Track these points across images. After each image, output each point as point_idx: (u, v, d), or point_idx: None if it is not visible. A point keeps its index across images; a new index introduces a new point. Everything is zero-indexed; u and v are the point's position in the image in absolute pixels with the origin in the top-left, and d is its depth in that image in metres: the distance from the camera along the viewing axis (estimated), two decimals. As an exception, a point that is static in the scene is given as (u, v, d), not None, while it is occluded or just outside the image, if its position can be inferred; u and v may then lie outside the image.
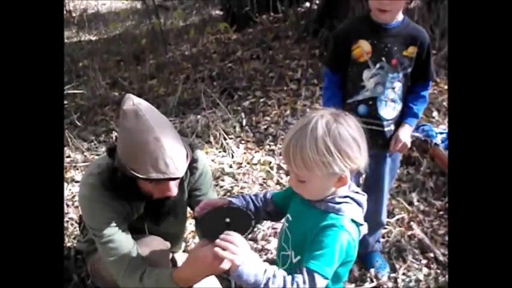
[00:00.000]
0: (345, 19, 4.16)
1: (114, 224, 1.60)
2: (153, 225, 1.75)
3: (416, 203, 2.63)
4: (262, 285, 1.18)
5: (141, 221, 1.76)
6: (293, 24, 5.37)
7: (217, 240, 1.25)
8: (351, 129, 1.20)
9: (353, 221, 1.25)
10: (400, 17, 1.87)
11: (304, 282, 1.18)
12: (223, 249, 1.22)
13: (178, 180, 1.55)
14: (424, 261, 2.24)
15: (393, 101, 1.91)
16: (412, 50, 1.87)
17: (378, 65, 1.87)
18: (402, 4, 1.83)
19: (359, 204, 1.29)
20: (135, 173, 1.46)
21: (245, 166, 3.11)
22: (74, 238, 2.56)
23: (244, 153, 3.28)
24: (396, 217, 2.52)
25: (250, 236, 1.53)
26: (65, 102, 4.49)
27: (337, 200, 1.26)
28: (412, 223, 2.48)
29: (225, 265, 1.34)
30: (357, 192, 1.31)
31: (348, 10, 4.26)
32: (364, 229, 1.30)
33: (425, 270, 2.19)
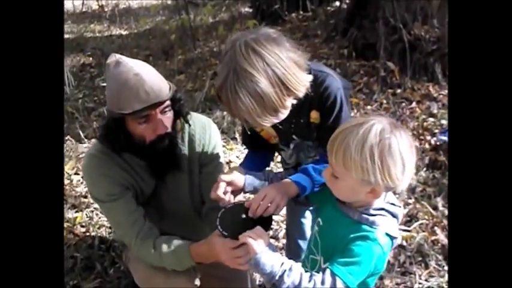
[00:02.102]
0: (375, 19, 4.16)
1: (115, 194, 1.62)
2: (162, 185, 1.72)
3: (441, 208, 2.58)
4: (277, 277, 1.16)
5: (155, 198, 1.76)
6: (322, 23, 5.35)
7: (240, 236, 1.26)
8: (403, 145, 1.14)
9: (387, 234, 1.21)
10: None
11: (322, 283, 1.15)
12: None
13: (168, 119, 1.57)
14: (447, 268, 2.20)
15: None
16: (315, 115, 1.54)
17: (291, 145, 1.66)
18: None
19: (394, 216, 1.25)
20: (121, 112, 1.50)
21: (269, 164, 3.10)
22: (98, 228, 2.62)
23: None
24: (420, 221, 2.48)
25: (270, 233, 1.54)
26: (95, 94, 4.59)
27: (372, 212, 1.22)
28: (436, 228, 2.44)
29: (238, 264, 1.37)
30: (392, 204, 1.26)
31: (377, 10, 4.21)
32: (398, 241, 1.27)
33: (447, 276, 2.15)
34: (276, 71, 1.28)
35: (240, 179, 1.47)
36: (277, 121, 1.39)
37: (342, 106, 1.48)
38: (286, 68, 1.29)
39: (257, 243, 1.21)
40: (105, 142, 1.62)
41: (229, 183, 1.46)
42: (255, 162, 1.73)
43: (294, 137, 1.62)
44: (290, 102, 1.37)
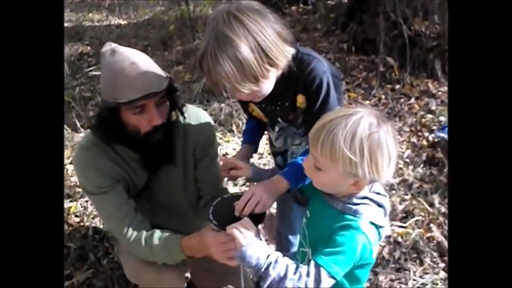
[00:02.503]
0: (375, 14, 4.13)
1: (105, 187, 1.59)
2: (154, 178, 1.70)
3: (437, 205, 2.57)
4: (262, 269, 1.16)
5: (147, 191, 1.74)
6: (322, 17, 5.32)
7: (228, 227, 1.26)
8: (390, 139, 1.14)
9: (372, 223, 1.21)
10: (278, 73, 1.41)
11: (307, 275, 1.15)
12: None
13: (163, 110, 1.55)
14: (441, 265, 2.20)
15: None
16: (301, 100, 1.50)
17: (277, 128, 1.65)
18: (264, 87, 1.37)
19: (379, 205, 1.24)
20: (116, 101, 1.47)
21: (266, 157, 3.10)
22: (92, 218, 2.60)
23: (266, 143, 3.26)
24: (416, 218, 2.48)
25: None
26: (92, 83, 4.56)
27: (355, 201, 1.22)
28: (431, 225, 2.43)
29: (227, 259, 1.39)
30: (378, 193, 1.26)
31: (378, 5, 4.18)
32: (386, 231, 1.26)
33: (442, 274, 2.15)
34: (257, 38, 1.28)
35: (245, 163, 1.57)
36: (260, 93, 1.39)
37: (329, 91, 1.45)
38: (267, 36, 1.30)
39: (243, 236, 1.21)
40: (98, 132, 1.58)
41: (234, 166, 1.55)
42: (253, 131, 1.77)
43: (279, 119, 1.60)
44: (273, 73, 1.36)
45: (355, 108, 1.17)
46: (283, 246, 2.00)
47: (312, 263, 1.16)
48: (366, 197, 1.23)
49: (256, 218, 1.34)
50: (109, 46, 1.53)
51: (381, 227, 1.23)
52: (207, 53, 1.28)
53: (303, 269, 1.16)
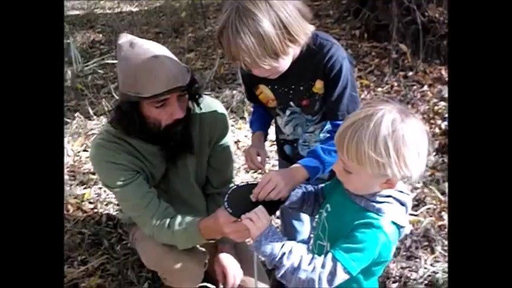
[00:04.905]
0: (388, 1, 4.07)
1: (126, 180, 1.60)
2: (172, 168, 1.72)
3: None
4: (277, 259, 1.17)
5: (164, 182, 1.76)
6: (334, 3, 5.26)
7: (243, 216, 1.27)
8: (415, 133, 1.11)
9: (393, 222, 1.20)
10: (297, 51, 1.43)
11: (322, 266, 1.15)
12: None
13: (184, 103, 1.55)
14: (452, 253, 2.20)
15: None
16: (319, 85, 1.50)
17: (287, 112, 1.61)
18: (280, 65, 1.37)
19: (402, 204, 1.22)
20: (138, 95, 1.47)
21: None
22: (106, 205, 2.64)
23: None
24: (427, 206, 2.47)
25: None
26: (104, 71, 4.58)
27: (379, 199, 1.20)
28: (443, 213, 2.42)
29: (240, 238, 1.45)
30: (401, 192, 1.24)
31: (391, -9, 4.12)
32: (407, 230, 1.26)
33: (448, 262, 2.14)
34: (279, 14, 1.28)
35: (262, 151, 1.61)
36: (279, 69, 1.38)
37: (348, 78, 1.45)
38: (289, 12, 1.29)
39: (256, 227, 1.22)
40: (118, 126, 1.59)
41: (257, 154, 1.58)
42: (263, 118, 1.75)
43: (291, 103, 1.58)
44: (292, 50, 1.36)
45: (376, 106, 1.13)
46: (287, 232, 2.00)
47: (330, 255, 1.17)
48: (389, 196, 1.21)
49: (271, 206, 1.35)
50: (125, 38, 1.53)
51: (402, 226, 1.22)
52: (227, 26, 1.27)
53: (318, 260, 1.17)
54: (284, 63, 1.38)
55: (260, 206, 1.28)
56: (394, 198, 1.21)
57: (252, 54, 1.27)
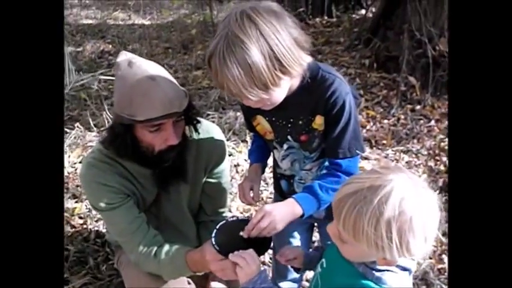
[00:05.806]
0: (400, 31, 4.05)
1: (114, 203, 1.53)
2: (164, 193, 1.65)
3: (451, 235, 2.47)
4: None
5: (155, 207, 1.69)
6: (346, 31, 5.26)
7: (231, 255, 1.20)
8: (426, 215, 0.96)
9: None
10: (295, 83, 1.35)
11: None
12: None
13: (180, 128, 1.49)
14: (451, 299, 2.11)
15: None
16: (319, 121, 1.39)
17: (285, 146, 1.50)
18: (275, 95, 1.28)
19: (406, 269, 1.08)
20: (132, 118, 1.40)
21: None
22: (96, 221, 2.57)
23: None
24: (427, 247, 2.38)
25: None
26: (111, 82, 4.55)
27: (379, 267, 1.05)
28: (443, 256, 2.33)
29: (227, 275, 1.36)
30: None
31: (403, 22, 4.10)
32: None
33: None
34: (270, 42, 1.17)
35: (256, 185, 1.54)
36: (269, 102, 1.28)
37: (351, 115, 1.35)
38: (282, 41, 1.19)
39: (244, 272, 1.15)
40: (110, 147, 1.52)
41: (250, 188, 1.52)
42: (262, 149, 1.65)
43: (289, 137, 1.49)
44: (285, 82, 1.26)
45: (386, 175, 0.98)
46: (280, 272, 1.91)
47: None
48: None
49: (262, 244, 1.29)
50: (125, 56, 1.46)
51: None
52: (215, 53, 1.19)
53: None
54: (276, 95, 1.28)
55: (250, 250, 1.21)
56: (397, 265, 1.07)
57: (238, 84, 1.18)
